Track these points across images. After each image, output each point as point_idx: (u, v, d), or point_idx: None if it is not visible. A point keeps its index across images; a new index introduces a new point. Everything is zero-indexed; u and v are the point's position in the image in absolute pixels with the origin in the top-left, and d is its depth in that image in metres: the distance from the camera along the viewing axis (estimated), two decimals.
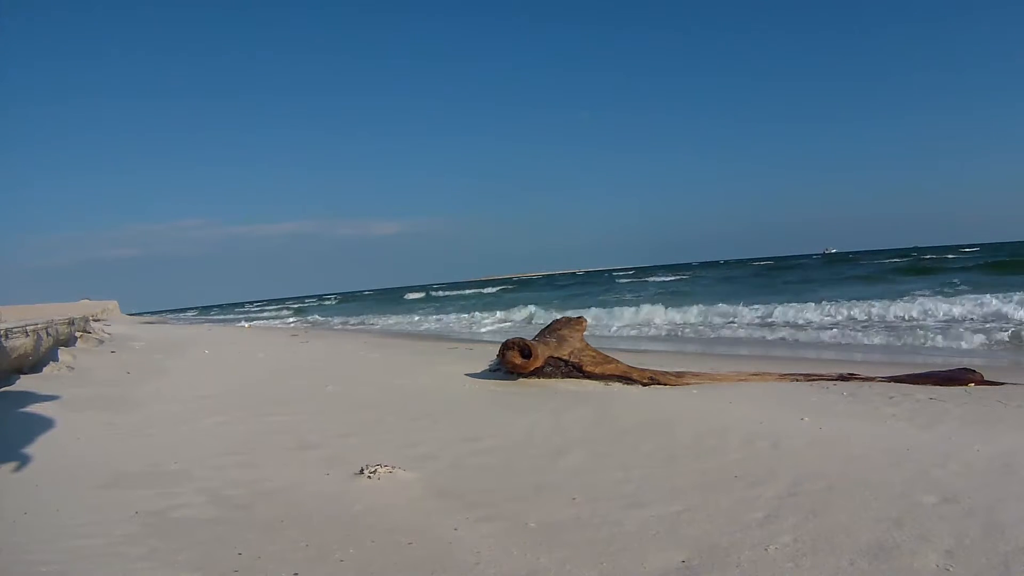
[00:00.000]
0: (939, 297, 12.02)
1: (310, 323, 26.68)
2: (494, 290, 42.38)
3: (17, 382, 5.16)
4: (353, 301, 51.90)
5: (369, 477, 2.90)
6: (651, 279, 37.98)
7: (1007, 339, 7.91)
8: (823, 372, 5.77)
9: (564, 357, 5.92)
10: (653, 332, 12.34)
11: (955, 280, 17.19)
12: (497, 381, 5.91)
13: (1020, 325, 8.75)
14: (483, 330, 15.86)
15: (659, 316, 13.50)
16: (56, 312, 15.27)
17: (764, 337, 10.33)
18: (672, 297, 19.87)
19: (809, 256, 71.09)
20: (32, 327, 5.68)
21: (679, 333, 11.87)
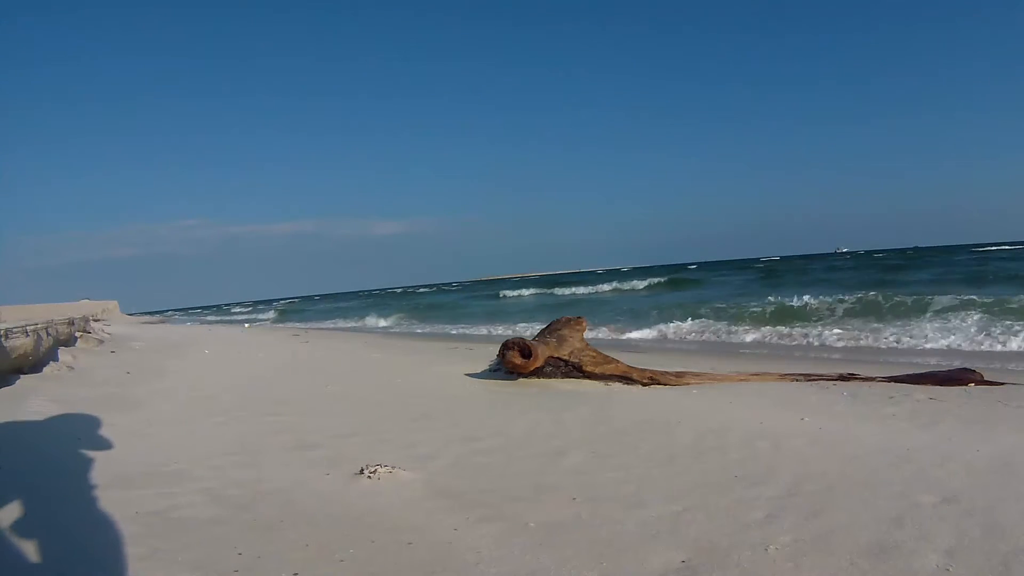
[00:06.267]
0: None
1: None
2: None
3: (17, 382, 5.16)
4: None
5: (369, 477, 2.90)
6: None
7: None
8: (823, 372, 5.77)
9: (564, 357, 5.92)
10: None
11: None
12: (497, 381, 5.91)
13: None
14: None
15: None
16: (56, 312, 15.28)
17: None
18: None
19: (824, 256, 70.31)
20: (32, 327, 5.67)
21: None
